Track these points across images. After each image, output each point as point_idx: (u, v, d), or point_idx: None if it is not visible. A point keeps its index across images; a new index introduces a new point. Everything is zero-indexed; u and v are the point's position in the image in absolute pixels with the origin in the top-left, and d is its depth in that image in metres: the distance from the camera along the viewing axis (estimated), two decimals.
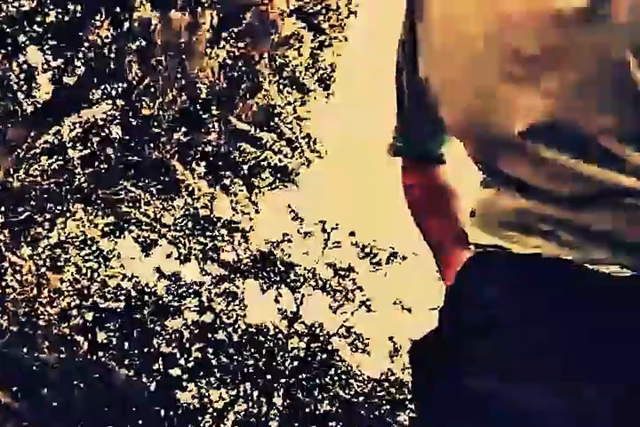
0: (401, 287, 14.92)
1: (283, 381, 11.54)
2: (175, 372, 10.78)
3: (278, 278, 12.49)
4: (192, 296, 11.43)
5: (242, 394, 11.44)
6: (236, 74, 8.24)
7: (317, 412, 11.28)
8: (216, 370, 11.58)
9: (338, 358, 12.91)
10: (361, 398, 11.77)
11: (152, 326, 10.77)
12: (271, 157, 9.41)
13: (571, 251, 0.77)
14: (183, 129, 8.09)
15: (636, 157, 0.74)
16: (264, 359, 11.53)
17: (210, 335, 11.32)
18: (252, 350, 11.53)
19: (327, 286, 13.74)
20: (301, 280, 12.99)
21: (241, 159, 8.83)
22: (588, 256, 0.76)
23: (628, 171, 0.74)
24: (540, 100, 0.77)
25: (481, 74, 0.81)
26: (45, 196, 8.21)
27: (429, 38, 0.91)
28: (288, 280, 12.76)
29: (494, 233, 0.85)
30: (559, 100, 0.76)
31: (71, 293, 9.64)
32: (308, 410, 11.25)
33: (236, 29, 8.31)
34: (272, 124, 9.19)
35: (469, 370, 0.72)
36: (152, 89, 7.63)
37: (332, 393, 11.88)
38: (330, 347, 13.00)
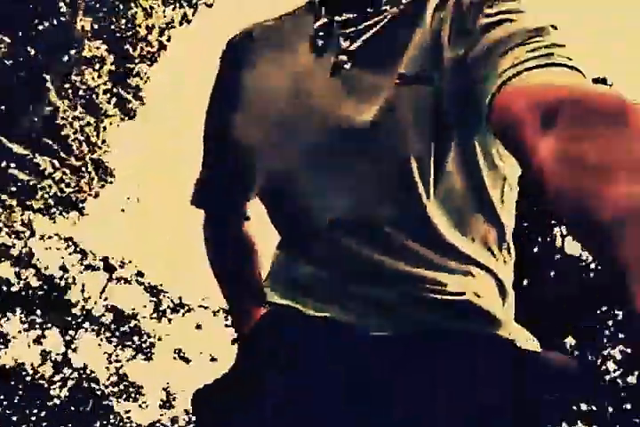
0: (183, 337, 14.58)
1: None
2: None
3: (48, 317, 11.74)
4: None
5: None
6: (16, 81, 7.79)
7: None
8: None
9: (106, 407, 12.28)
10: None
11: None
12: (50, 187, 8.82)
13: (351, 317, 0.86)
14: None
15: (412, 245, 0.86)
16: (18, 407, 10.65)
17: None
18: (2, 396, 10.59)
19: (104, 329, 13.13)
20: (75, 321, 12.31)
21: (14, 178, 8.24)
22: (368, 323, 0.86)
23: (406, 258, 0.86)
24: (340, 191, 0.87)
25: (289, 157, 0.90)
26: None
27: (244, 101, 0.98)
28: (59, 320, 12.02)
29: (286, 294, 0.93)
30: (356, 193, 0.87)
31: None
32: None
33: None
34: (57, 147, 8.69)
35: (268, 405, 0.84)
36: None
37: None
38: (99, 394, 12.35)
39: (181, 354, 13.40)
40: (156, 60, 10.39)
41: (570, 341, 14.43)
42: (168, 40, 10.39)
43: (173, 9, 10.31)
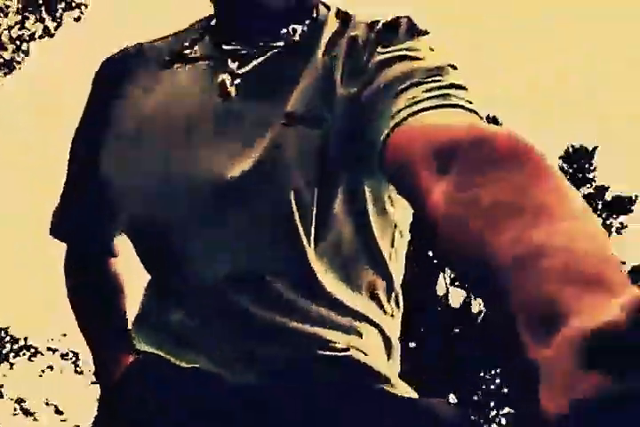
0: (28, 386, 13.72)
1: None
2: None
3: None
4: None
5: None
6: None
7: None
8: None
9: None
10: None
11: None
12: None
13: (223, 369, 0.86)
14: None
15: (294, 296, 0.86)
16: None
17: None
18: None
19: None
20: None
21: None
22: (239, 376, 0.85)
23: (285, 310, 0.86)
24: (218, 236, 0.86)
25: (163, 195, 0.88)
26: None
27: (118, 129, 0.95)
28: None
29: (155, 341, 0.91)
30: (235, 239, 0.86)
31: None
32: None
33: None
34: None
35: None
36: None
37: None
38: None
39: (22, 405, 12.50)
40: (13, 68, 10.09)
41: (452, 398, 14.45)
42: (26, 54, 10.11)
43: (34, 22, 10.08)
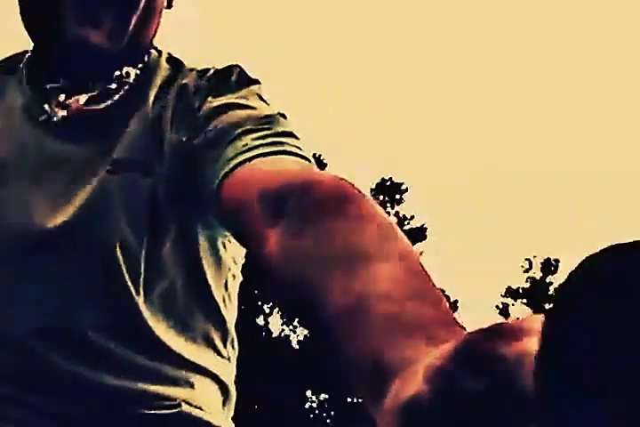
0: None
1: None
2: None
3: None
4: None
5: None
6: None
7: None
8: None
9: None
10: None
11: None
12: None
13: None
14: None
15: (122, 351, 0.84)
16: None
17: None
18: None
19: None
20: None
21: None
22: None
23: (112, 368, 0.84)
24: (38, 292, 0.83)
25: None
26: None
27: None
28: None
29: None
30: (57, 294, 0.83)
31: None
32: None
33: None
34: None
35: None
36: None
37: None
38: None
39: None
40: None
41: None
42: None
43: None
